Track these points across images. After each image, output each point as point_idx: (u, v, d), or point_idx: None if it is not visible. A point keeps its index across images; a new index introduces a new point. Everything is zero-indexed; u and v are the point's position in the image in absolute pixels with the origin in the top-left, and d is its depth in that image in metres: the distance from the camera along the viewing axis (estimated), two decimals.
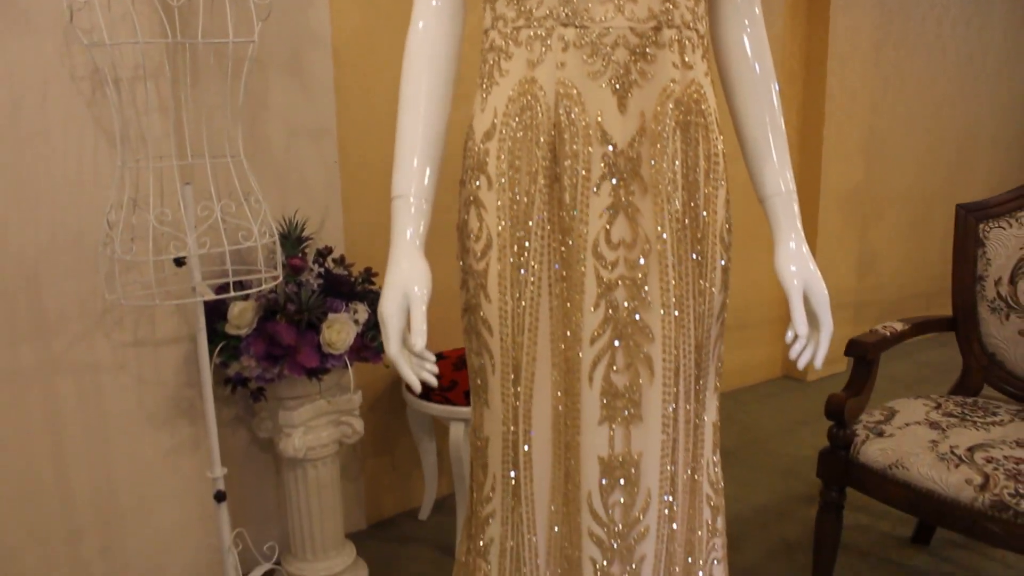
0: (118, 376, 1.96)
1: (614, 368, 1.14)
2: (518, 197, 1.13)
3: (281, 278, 1.88)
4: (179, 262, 1.74)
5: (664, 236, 1.12)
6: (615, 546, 1.19)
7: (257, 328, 1.99)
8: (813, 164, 3.51)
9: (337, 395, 2.16)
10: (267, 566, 2.01)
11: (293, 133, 2.19)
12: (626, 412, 1.15)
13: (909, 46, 3.77)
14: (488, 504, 1.24)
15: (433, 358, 1.18)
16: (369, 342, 2.12)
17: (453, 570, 1.37)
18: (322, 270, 2.10)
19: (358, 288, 2.13)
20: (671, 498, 1.20)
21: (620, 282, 1.12)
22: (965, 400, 2.19)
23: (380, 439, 2.59)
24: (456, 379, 2.32)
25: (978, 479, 1.80)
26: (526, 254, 1.14)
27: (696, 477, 1.25)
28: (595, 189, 1.11)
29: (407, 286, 1.12)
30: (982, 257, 2.22)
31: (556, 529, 1.21)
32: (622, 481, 1.17)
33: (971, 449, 1.89)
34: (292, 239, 2.09)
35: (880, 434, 2.00)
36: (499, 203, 1.14)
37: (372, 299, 2.13)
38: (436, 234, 1.22)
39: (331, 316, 2.02)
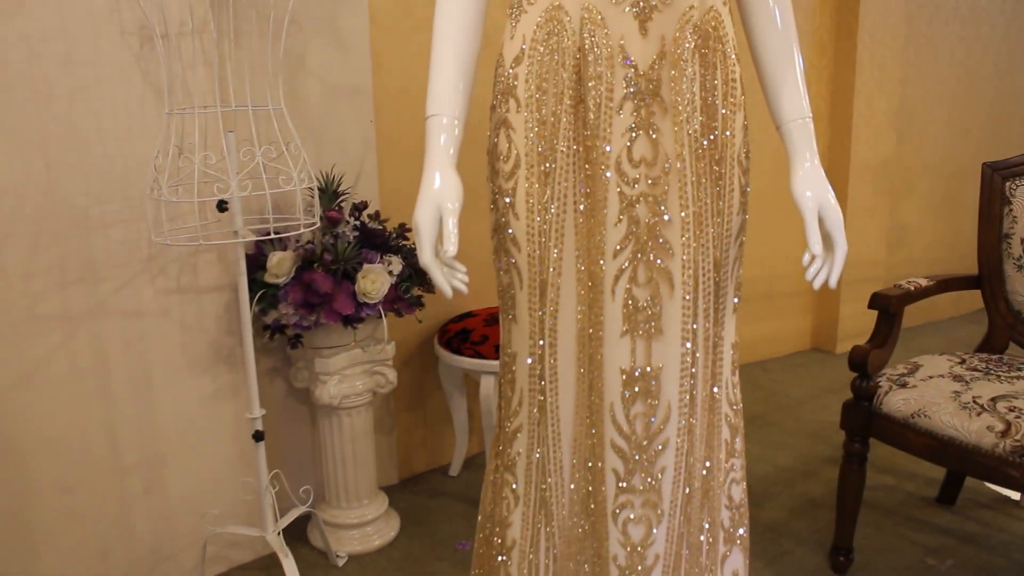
0: (162, 322, 2.04)
1: (636, 282, 1.19)
2: (545, 118, 1.19)
3: (318, 224, 1.95)
4: (222, 207, 1.82)
5: (684, 155, 1.17)
6: (637, 458, 1.24)
7: (295, 277, 2.07)
8: (843, 137, 3.52)
9: (371, 346, 2.23)
10: (302, 509, 2.08)
11: (330, 92, 2.26)
12: (647, 325, 1.20)
13: (942, 19, 3.75)
14: (515, 419, 1.30)
15: (464, 268, 1.24)
16: (403, 294, 2.19)
17: (481, 490, 1.43)
18: (358, 223, 2.17)
19: (392, 243, 2.20)
20: (689, 409, 1.25)
21: (641, 199, 1.17)
22: (990, 357, 2.21)
23: (413, 395, 2.65)
24: (487, 334, 2.38)
25: (1000, 426, 1.83)
26: (552, 172, 1.19)
27: (715, 395, 1.29)
28: (618, 110, 1.16)
29: (440, 200, 1.18)
30: (1008, 215, 2.23)
31: (580, 442, 1.26)
32: (643, 394, 1.22)
33: (994, 399, 1.92)
34: (329, 193, 2.16)
35: (903, 385, 2.03)
36: (527, 124, 1.19)
37: (406, 253, 2.20)
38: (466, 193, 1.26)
39: (366, 267, 2.09)
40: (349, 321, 2.11)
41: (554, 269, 1.21)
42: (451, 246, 1.16)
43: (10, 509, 1.89)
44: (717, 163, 1.21)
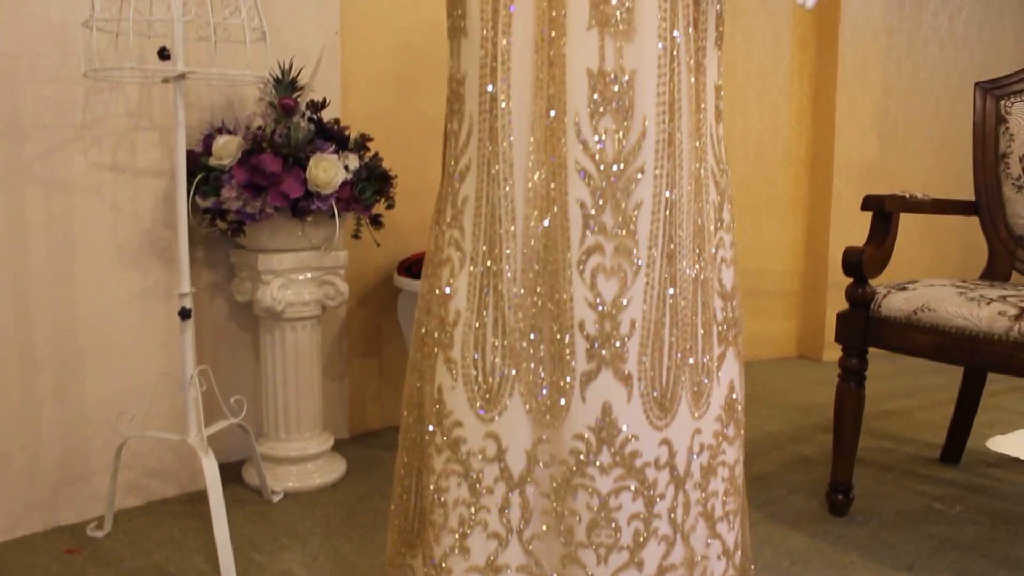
0: (91, 200, 1.85)
1: None
2: None
3: (267, 76, 1.80)
4: (164, 54, 1.66)
5: None
6: (606, 185, 1.05)
7: (241, 161, 1.90)
8: (826, 134, 3.45)
9: (323, 251, 2.03)
10: (232, 420, 1.83)
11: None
12: (618, 22, 1.04)
13: (921, 37, 3.74)
14: (463, 156, 1.11)
15: None
16: (358, 194, 2.02)
17: (427, 243, 1.21)
18: (315, 118, 2.02)
19: (351, 146, 2.05)
20: (669, 131, 1.07)
21: None
22: (993, 282, 2.04)
23: (368, 339, 2.43)
24: None
25: (1012, 311, 1.65)
26: None
27: (699, 139, 1.12)
28: None
29: None
30: (1004, 134, 2.11)
31: (536, 174, 1.07)
32: (614, 104, 1.05)
33: (1002, 296, 1.74)
34: (285, 83, 2.01)
35: (903, 289, 1.86)
36: None
37: (366, 158, 2.05)
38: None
39: (319, 155, 1.93)
40: (298, 212, 1.93)
41: None
42: None
43: None
44: None
